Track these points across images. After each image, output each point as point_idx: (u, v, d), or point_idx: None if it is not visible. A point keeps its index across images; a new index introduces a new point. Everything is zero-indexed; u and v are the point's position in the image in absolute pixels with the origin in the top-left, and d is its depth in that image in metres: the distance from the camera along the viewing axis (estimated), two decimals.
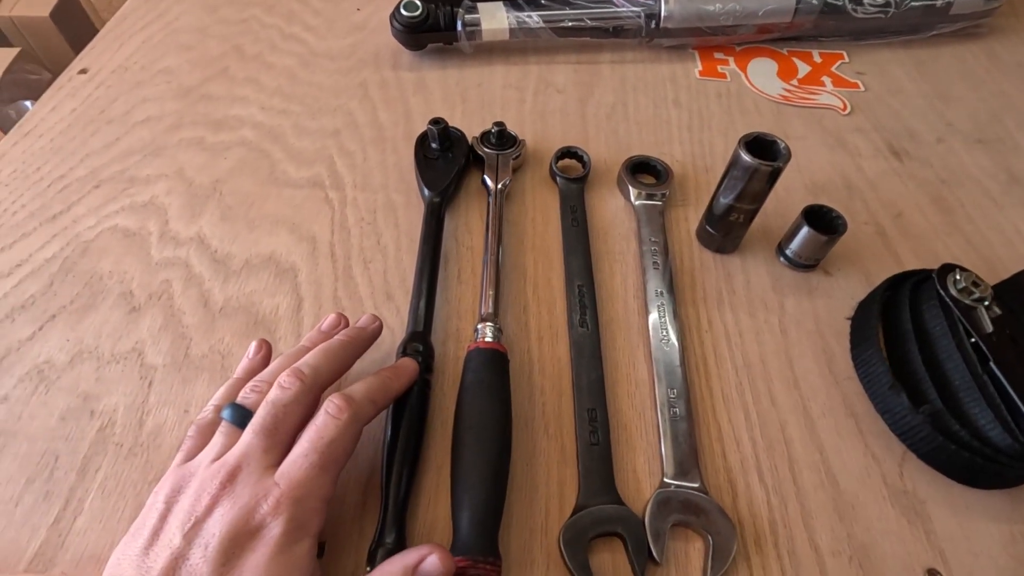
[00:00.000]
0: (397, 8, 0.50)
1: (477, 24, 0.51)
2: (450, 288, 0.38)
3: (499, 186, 0.41)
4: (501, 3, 0.52)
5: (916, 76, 0.55)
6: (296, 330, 0.35)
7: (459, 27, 0.51)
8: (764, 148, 0.35)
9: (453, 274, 0.38)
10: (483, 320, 0.33)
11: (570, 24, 0.52)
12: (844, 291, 0.38)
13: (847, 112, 0.51)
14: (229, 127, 0.47)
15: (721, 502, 0.30)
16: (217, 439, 0.26)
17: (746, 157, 0.34)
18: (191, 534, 0.22)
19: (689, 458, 0.30)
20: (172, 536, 0.22)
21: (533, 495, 0.30)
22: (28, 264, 0.38)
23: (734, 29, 0.55)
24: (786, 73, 0.55)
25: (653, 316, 0.36)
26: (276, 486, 0.23)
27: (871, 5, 0.55)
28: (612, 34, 0.53)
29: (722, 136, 0.48)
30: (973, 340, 0.32)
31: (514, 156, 0.43)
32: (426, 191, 0.40)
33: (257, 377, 0.28)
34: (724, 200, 0.37)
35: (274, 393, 0.26)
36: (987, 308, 0.33)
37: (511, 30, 0.52)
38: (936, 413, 0.31)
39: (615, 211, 0.42)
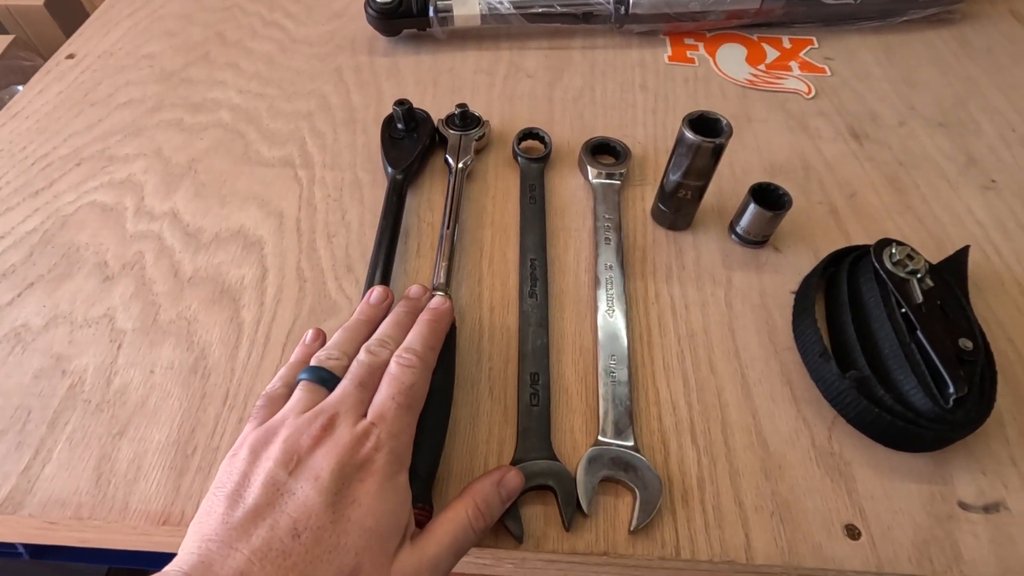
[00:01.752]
0: None
1: (449, 10, 0.53)
2: (409, 261, 0.39)
3: (460, 165, 0.42)
4: None
5: (884, 61, 0.56)
6: (259, 297, 0.37)
7: (431, 13, 0.52)
8: (709, 126, 0.36)
9: (412, 248, 0.40)
10: (434, 290, 0.35)
11: (540, 10, 0.53)
12: (792, 267, 0.40)
13: (811, 96, 0.52)
14: (207, 109, 0.49)
15: (653, 461, 0.31)
16: (299, 395, 0.26)
17: (689, 134, 0.35)
18: (297, 471, 0.23)
19: (624, 419, 0.32)
20: (273, 472, 0.22)
21: (474, 451, 0.31)
22: (10, 236, 0.40)
23: (704, 15, 0.56)
24: (754, 58, 0.56)
25: (601, 289, 0.37)
26: (374, 425, 0.25)
27: None
28: (582, 20, 0.55)
29: None
30: (903, 310, 0.33)
31: (477, 137, 0.45)
32: (389, 169, 0.42)
33: (328, 346, 0.29)
34: (673, 177, 0.38)
35: (382, 358, 0.28)
36: (920, 280, 0.34)
37: (482, 16, 0.53)
38: (862, 379, 0.32)
39: (574, 190, 0.44)
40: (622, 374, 0.34)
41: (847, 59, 0.56)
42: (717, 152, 0.36)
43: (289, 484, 0.22)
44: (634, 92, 0.52)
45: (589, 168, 0.44)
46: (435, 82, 0.52)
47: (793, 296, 0.38)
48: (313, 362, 0.28)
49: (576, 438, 0.32)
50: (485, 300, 0.37)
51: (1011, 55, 0.56)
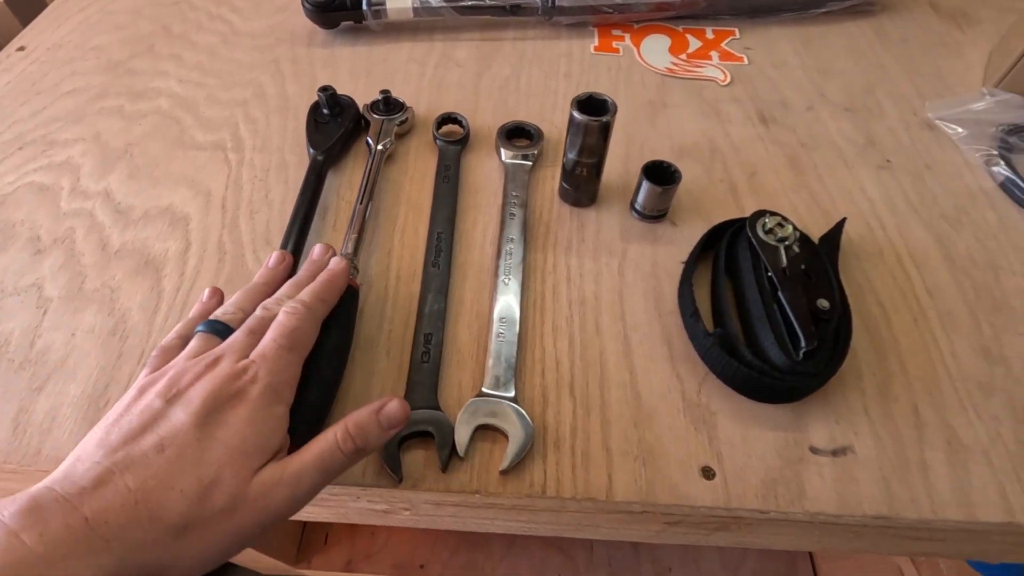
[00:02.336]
0: None
1: (383, 4, 0.55)
2: (325, 235, 0.42)
3: (379, 147, 0.45)
4: None
5: (801, 51, 0.59)
6: (180, 268, 0.40)
7: (365, 6, 0.55)
8: (597, 106, 0.39)
9: (330, 223, 0.43)
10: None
11: (470, 3, 0.56)
12: (686, 239, 0.42)
13: (727, 83, 0.55)
14: (147, 97, 0.51)
15: (531, 411, 0.34)
16: (193, 344, 0.28)
17: (577, 115, 0.38)
18: (173, 399, 0.24)
19: (507, 373, 0.35)
20: (151, 401, 0.24)
21: (366, 402, 0.34)
22: None
23: (629, 7, 0.59)
24: (677, 48, 0.59)
25: (501, 259, 0.40)
26: (253, 362, 0.27)
27: None
28: (511, 12, 0.57)
29: None
30: (770, 274, 0.36)
31: (399, 122, 0.47)
32: (311, 150, 0.45)
33: (226, 304, 0.31)
34: (569, 156, 0.41)
35: (275, 312, 0.29)
36: (787, 248, 0.37)
37: (414, 9, 0.56)
38: (724, 335, 0.35)
39: (489, 171, 0.47)
40: (511, 335, 0.36)
41: (766, 49, 0.59)
42: (604, 130, 0.38)
43: (163, 409, 0.24)
44: (558, 80, 0.54)
45: (503, 150, 0.46)
46: (368, 72, 0.54)
47: (682, 265, 0.41)
48: (211, 317, 0.31)
49: (463, 392, 0.35)
50: (393, 270, 0.40)
51: (924, 44, 0.59)
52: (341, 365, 0.34)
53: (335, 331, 0.33)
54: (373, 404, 0.28)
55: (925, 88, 0.54)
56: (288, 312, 0.29)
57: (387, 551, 0.74)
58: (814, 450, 0.33)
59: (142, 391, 0.26)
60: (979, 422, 0.34)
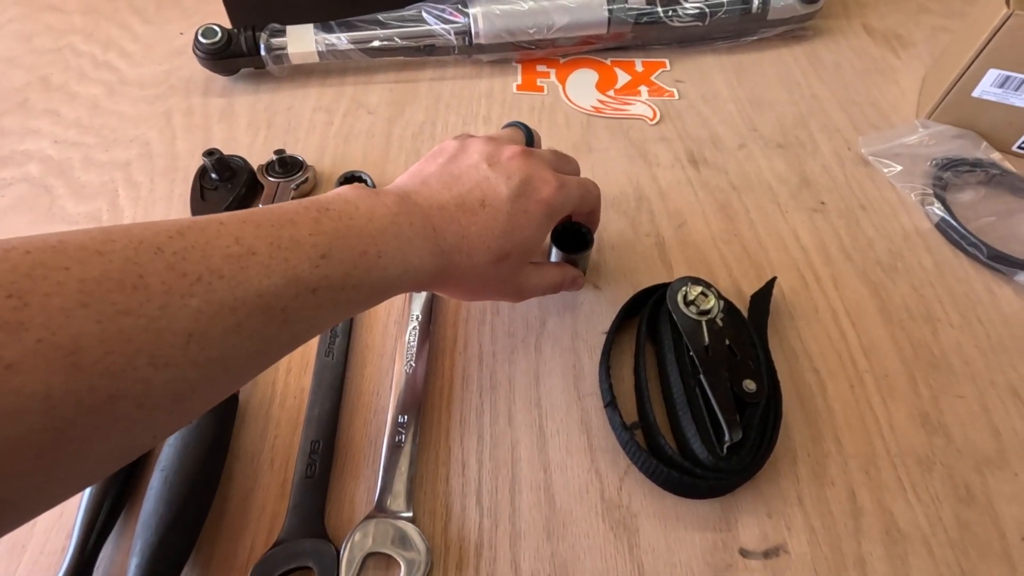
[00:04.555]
0: (196, 35, 0.49)
1: (283, 48, 0.51)
2: None
3: None
4: (311, 25, 0.52)
5: (734, 82, 0.56)
6: None
7: (263, 51, 0.50)
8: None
9: None
10: None
11: (380, 45, 0.52)
12: (610, 304, 0.39)
13: (656, 121, 0.52)
14: (15, 163, 0.46)
15: (431, 528, 0.30)
16: (507, 131, 0.35)
17: None
18: (494, 166, 0.29)
19: (405, 487, 0.31)
20: (476, 162, 0.29)
21: (242, 531, 0.30)
22: None
23: (552, 42, 0.56)
24: (605, 84, 0.56)
25: (405, 340, 0.36)
26: (557, 178, 0.31)
27: (686, 15, 0.56)
28: (425, 52, 0.54)
29: None
30: (691, 354, 0.33)
31: (297, 183, 0.43)
32: None
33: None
34: None
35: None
36: (710, 322, 0.34)
37: (319, 53, 0.52)
38: (646, 428, 0.32)
39: None
40: (408, 435, 0.32)
41: (697, 81, 0.56)
42: None
43: (486, 171, 0.29)
44: (476, 125, 0.51)
45: None
46: (270, 123, 0.50)
47: (604, 336, 0.38)
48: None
49: (355, 509, 0.31)
50: (283, 361, 0.36)
51: (858, 70, 0.57)
52: (209, 488, 0.30)
53: (199, 449, 0.29)
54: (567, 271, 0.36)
55: (859, 119, 0.53)
56: (589, 189, 0.34)
57: None
58: (744, 552, 0.30)
59: (463, 144, 0.31)
60: (918, 504, 0.32)
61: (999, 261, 0.41)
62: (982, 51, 0.45)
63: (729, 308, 0.35)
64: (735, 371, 0.32)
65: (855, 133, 0.51)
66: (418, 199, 0.27)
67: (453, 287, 0.29)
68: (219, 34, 0.49)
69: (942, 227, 0.44)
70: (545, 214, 0.30)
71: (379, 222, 0.25)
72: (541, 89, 0.55)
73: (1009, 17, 0.43)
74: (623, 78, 0.56)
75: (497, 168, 0.29)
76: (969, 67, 0.47)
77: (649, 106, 0.53)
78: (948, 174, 0.47)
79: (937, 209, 0.44)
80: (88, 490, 0.28)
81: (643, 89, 0.55)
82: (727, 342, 0.33)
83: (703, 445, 0.30)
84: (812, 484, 0.32)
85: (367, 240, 0.24)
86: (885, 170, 0.47)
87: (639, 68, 0.57)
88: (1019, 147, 0.49)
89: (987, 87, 0.47)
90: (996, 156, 0.47)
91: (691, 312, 0.34)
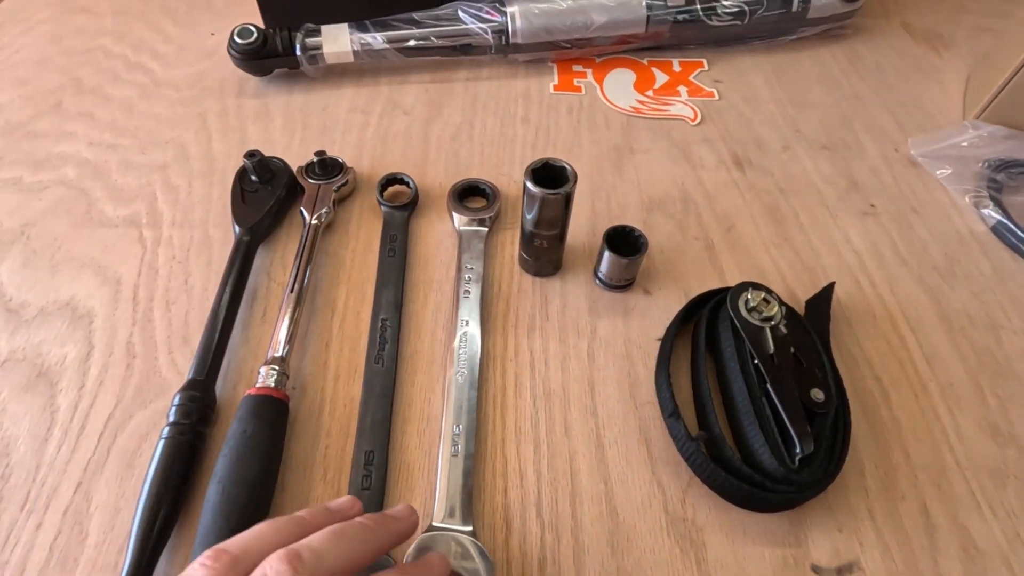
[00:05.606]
0: (232, 36, 0.49)
1: (319, 48, 0.50)
2: (252, 327, 0.37)
3: (313, 220, 0.40)
4: (345, 25, 0.51)
5: (773, 82, 0.55)
6: (80, 380, 0.34)
7: (298, 52, 0.50)
8: (555, 174, 0.34)
9: (258, 313, 0.37)
10: (267, 363, 0.33)
11: (416, 44, 0.51)
12: (662, 310, 0.38)
13: (697, 122, 0.51)
14: (51, 166, 0.45)
15: (492, 541, 0.29)
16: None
17: (532, 186, 0.33)
18: None
19: (463, 497, 0.30)
20: None
21: None
22: None
23: (590, 42, 0.55)
24: (643, 84, 0.55)
25: (455, 346, 0.35)
26: None
27: (726, 14, 0.55)
28: (461, 52, 0.53)
29: (566, 153, 0.48)
30: (756, 362, 0.32)
31: (338, 186, 0.42)
32: (236, 228, 0.39)
33: (237, 546, 0.21)
34: (527, 228, 0.36)
35: None
36: (774, 328, 0.32)
37: (355, 52, 0.51)
38: (711, 439, 0.31)
39: (441, 237, 0.42)
40: (465, 446, 0.31)
41: (736, 81, 0.55)
42: (564, 202, 0.34)
43: None
44: (515, 126, 0.50)
45: (455, 215, 0.42)
46: (305, 123, 0.49)
47: (659, 343, 0.37)
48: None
49: None
50: (331, 368, 0.35)
51: (899, 70, 0.56)
52: (266, 498, 0.29)
53: (255, 459, 0.28)
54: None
55: (905, 119, 0.51)
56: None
57: None
58: (816, 569, 0.29)
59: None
60: (994, 519, 0.30)
61: None
62: None
63: (790, 314, 0.34)
64: (801, 380, 0.31)
65: (901, 134, 0.50)
66: None
67: None
68: (255, 34, 0.49)
69: (999, 230, 0.42)
70: None
71: None
72: (579, 89, 0.54)
73: None
74: (661, 78, 0.55)
75: None
76: (1021, 68, 0.46)
77: (689, 107, 0.52)
78: (1002, 176, 0.45)
79: (993, 212, 0.43)
80: (141, 503, 0.28)
81: (682, 89, 0.54)
82: (792, 350, 0.32)
83: (772, 457, 0.29)
84: (882, 498, 0.31)
85: None
86: (936, 172, 0.46)
87: (676, 68, 0.56)
88: None
89: None
90: None
91: (754, 319, 0.33)
